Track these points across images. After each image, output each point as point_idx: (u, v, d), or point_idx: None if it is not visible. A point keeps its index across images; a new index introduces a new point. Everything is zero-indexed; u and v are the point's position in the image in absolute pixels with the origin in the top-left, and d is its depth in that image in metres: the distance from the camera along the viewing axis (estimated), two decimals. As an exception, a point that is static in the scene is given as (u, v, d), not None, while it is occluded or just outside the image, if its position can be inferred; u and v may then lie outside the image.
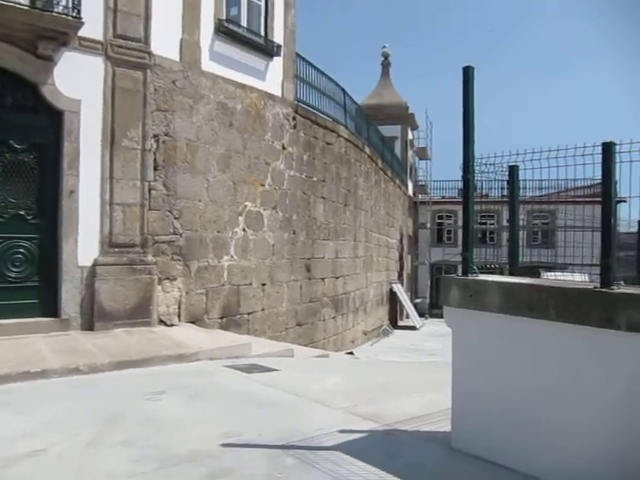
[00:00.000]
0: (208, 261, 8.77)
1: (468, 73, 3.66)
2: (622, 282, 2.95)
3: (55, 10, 6.88)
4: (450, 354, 3.51)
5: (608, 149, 3.04)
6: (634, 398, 2.68)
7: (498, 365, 3.22)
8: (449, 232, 33.23)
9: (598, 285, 2.95)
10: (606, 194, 2.99)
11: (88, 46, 7.39)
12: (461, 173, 3.72)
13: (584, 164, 3.07)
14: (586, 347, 2.87)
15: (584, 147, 3.09)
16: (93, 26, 7.34)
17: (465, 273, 3.50)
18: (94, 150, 7.49)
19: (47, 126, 7.32)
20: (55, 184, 7.35)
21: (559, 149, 3.23)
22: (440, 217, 33.21)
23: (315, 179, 11.80)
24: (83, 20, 7.01)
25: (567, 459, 2.89)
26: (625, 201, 3.45)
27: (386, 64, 31.98)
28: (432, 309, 27.14)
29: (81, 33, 7.21)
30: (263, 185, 9.88)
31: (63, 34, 7.04)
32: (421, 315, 25.63)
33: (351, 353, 12.00)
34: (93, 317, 7.35)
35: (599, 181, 3.09)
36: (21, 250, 7.22)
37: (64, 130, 7.29)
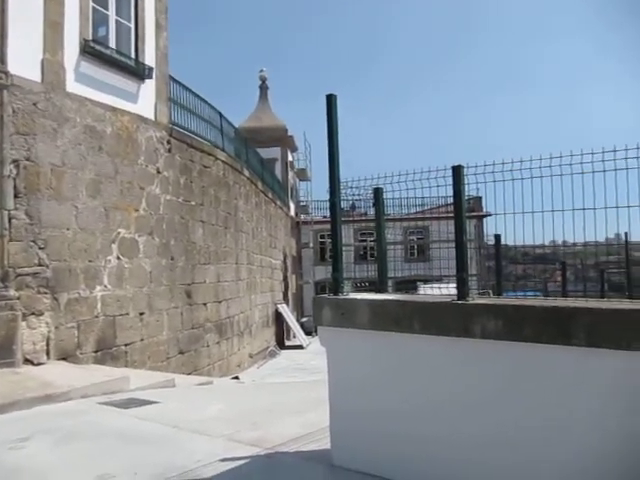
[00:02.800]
0: (79, 292, 8.26)
1: (331, 101, 3.82)
2: (476, 293, 3.21)
3: None
4: (331, 372, 3.59)
5: (458, 172, 3.31)
6: (498, 401, 2.89)
7: (370, 380, 3.35)
8: (331, 250, 34.01)
9: (455, 298, 3.18)
10: (457, 214, 3.25)
11: None
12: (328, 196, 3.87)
13: (437, 186, 3.32)
14: (447, 356, 3.07)
15: (437, 170, 3.34)
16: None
17: (336, 292, 3.61)
18: (-58, 177, 6.82)
19: None
20: None
21: (422, 171, 3.47)
22: (322, 236, 33.93)
23: (193, 203, 11.60)
24: None
25: (435, 464, 3.06)
26: (490, 215, 3.76)
27: (264, 87, 32.41)
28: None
29: None
30: (137, 210, 9.54)
31: None
32: (308, 333, 25.89)
33: (237, 378, 11.82)
34: (-55, 361, 6.63)
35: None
36: None
37: None
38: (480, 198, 21.44)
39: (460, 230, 3.18)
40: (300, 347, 22.99)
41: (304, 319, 29.35)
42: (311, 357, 19.66)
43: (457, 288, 3.21)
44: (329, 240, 34.05)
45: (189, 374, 10.57)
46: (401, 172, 3.55)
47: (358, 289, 4.53)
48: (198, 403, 6.11)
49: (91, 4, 8.99)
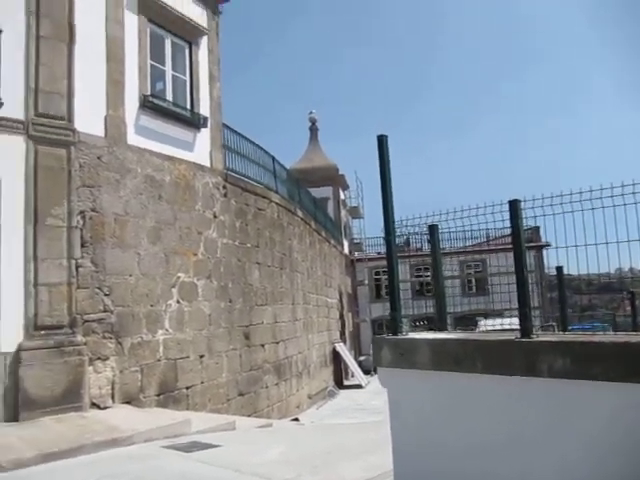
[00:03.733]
0: (142, 337, 8.49)
1: (382, 142, 3.86)
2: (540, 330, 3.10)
3: (-28, 92, 6.79)
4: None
5: (515, 206, 3.25)
6: (567, 440, 2.75)
7: (432, 421, 3.26)
8: (387, 287, 33.70)
9: (519, 335, 3.09)
10: (517, 249, 3.17)
11: (8, 126, 7.27)
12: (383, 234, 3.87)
13: (494, 221, 3.27)
14: (512, 395, 2.96)
15: (493, 205, 3.30)
16: (14, 106, 7.26)
17: (395, 332, 3.57)
18: (16, 230, 7.24)
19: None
20: (-26, 268, 7.02)
21: (477, 207, 3.43)
22: (377, 273, 33.72)
23: (249, 245, 11.82)
24: (2, 101, 6.93)
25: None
26: (549, 245, 3.67)
27: (314, 129, 33.02)
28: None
29: (1, 113, 7.10)
30: (196, 255, 9.80)
31: (-18, 115, 6.92)
32: (366, 373, 25.49)
33: (296, 419, 11.73)
34: (17, 407, 6.89)
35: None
36: None
37: (-16, 210, 7.04)
38: (538, 228, 20.93)
39: (520, 266, 3.11)
40: (359, 386, 22.63)
41: (362, 358, 28.98)
42: (371, 397, 19.32)
43: (520, 325, 3.11)
44: (384, 276, 33.85)
45: (249, 416, 10.57)
46: (456, 209, 3.53)
47: (416, 327, 4.47)
48: (259, 446, 6.09)
49: (149, 62, 9.52)
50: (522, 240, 3.19)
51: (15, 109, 7.33)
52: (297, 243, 15.95)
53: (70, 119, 7.87)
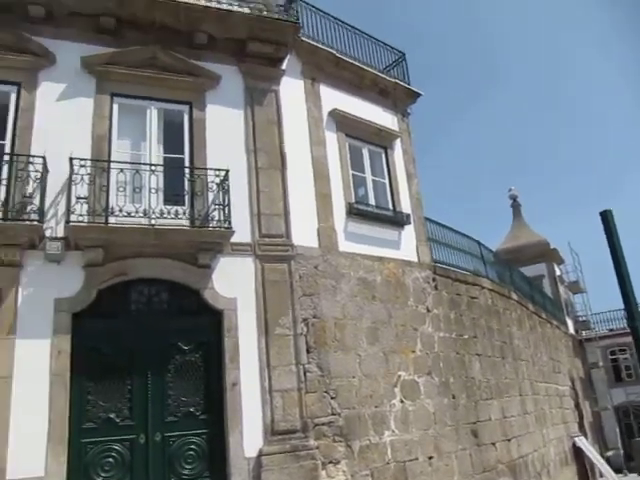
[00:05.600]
0: (369, 439, 8.49)
1: (607, 217, 3.54)
2: None
3: (210, 225, 7.95)
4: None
5: None
6: None
7: None
8: (628, 368, 29.58)
9: None
10: None
11: (239, 249, 8.29)
12: (625, 320, 3.44)
13: None
14: None
15: None
16: (242, 232, 8.27)
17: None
18: (251, 342, 8.00)
19: (209, 325, 8.04)
20: (219, 379, 7.84)
21: None
22: (613, 352, 29.94)
23: (466, 336, 11.41)
24: (233, 229, 7.95)
25: None
26: None
27: (516, 205, 31.79)
28: (629, 462, 23.26)
29: (232, 239, 8.12)
30: (414, 352, 9.74)
31: (218, 244, 8.01)
32: (617, 471, 22.05)
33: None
34: (262, 512, 7.25)
35: None
36: (192, 446, 7.57)
37: (224, 327, 7.94)
38: None
39: None
40: (612, 489, 19.59)
41: (609, 453, 25.25)
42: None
43: None
44: (622, 356, 29.85)
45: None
46: None
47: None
48: None
49: (350, 172, 10.24)
50: None
51: (244, 234, 8.35)
52: (516, 329, 14.97)
53: (288, 235, 8.70)
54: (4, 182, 7.33)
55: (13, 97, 7.92)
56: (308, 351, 8.33)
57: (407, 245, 10.65)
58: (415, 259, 10.65)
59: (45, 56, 8.15)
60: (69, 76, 8.24)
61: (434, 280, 10.88)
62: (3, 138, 7.72)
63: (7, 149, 7.64)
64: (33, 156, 7.40)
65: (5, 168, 7.40)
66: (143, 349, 7.60)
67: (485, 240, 15.16)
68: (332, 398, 8.30)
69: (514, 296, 15.81)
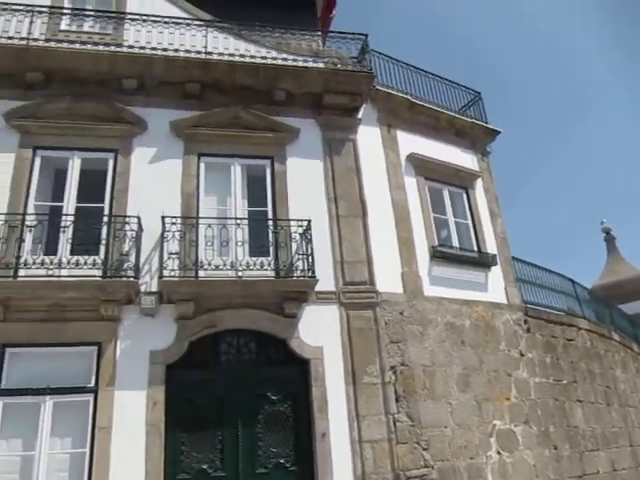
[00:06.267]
0: (466, 493, 8.06)
1: None
2: None
3: (295, 275, 8.07)
4: None
5: None
6: None
7: None
8: None
9: None
10: None
11: (324, 298, 8.34)
12: None
13: None
14: None
15: None
16: (326, 280, 8.34)
17: None
18: (339, 391, 7.92)
19: (296, 375, 8.06)
20: (308, 429, 7.78)
21: None
22: None
23: (565, 382, 10.71)
24: (318, 278, 8.03)
25: None
26: None
27: (610, 239, 30.04)
28: None
29: (317, 288, 8.19)
30: (508, 399, 9.24)
31: (303, 293, 8.11)
32: None
33: None
34: None
35: None
36: (284, 499, 7.49)
37: (311, 377, 7.92)
38: None
39: None
40: None
41: None
42: None
43: None
44: None
45: None
46: None
47: None
48: None
49: (431, 215, 10.12)
50: None
51: (328, 282, 8.42)
52: (621, 372, 13.90)
53: (372, 282, 8.67)
54: (103, 242, 7.84)
55: (111, 163, 8.57)
56: (397, 400, 8.12)
57: (495, 287, 10.28)
58: (504, 301, 10.24)
59: (138, 123, 8.81)
60: (160, 140, 8.84)
61: (526, 322, 10.38)
62: (102, 201, 8.31)
63: (106, 211, 8.20)
64: (129, 216, 7.90)
65: (104, 229, 7.91)
66: (233, 400, 7.71)
67: (578, 277, 14.40)
68: (424, 449, 7.99)
69: (615, 336, 14.76)
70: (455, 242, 10.29)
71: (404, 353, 8.41)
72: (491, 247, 10.62)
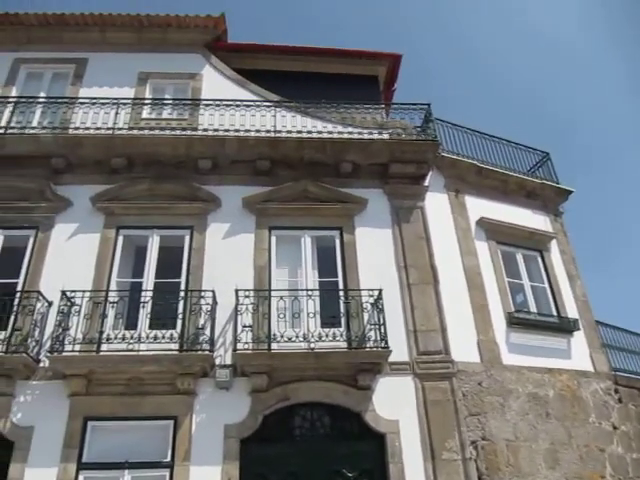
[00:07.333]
0: None
1: None
2: None
3: (367, 346, 7.97)
4: None
5: None
6: None
7: None
8: None
9: None
10: None
11: (397, 369, 8.14)
12: None
13: None
14: None
15: None
16: (399, 350, 8.16)
17: None
18: (417, 468, 7.56)
19: (372, 450, 7.78)
20: (389, 507, 7.41)
21: None
22: None
23: (666, 458, 9.78)
24: (391, 348, 7.87)
25: None
26: None
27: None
28: None
29: (390, 359, 8.01)
30: (604, 477, 8.49)
31: (376, 364, 7.95)
32: None
33: None
34: None
35: None
36: None
37: (388, 452, 7.62)
38: None
39: None
40: None
41: None
42: None
43: None
44: None
45: None
46: None
47: None
48: None
49: (506, 279, 9.82)
50: None
51: (401, 352, 8.23)
52: None
53: (447, 352, 8.40)
54: (180, 316, 8.09)
55: (187, 239, 8.96)
56: (480, 478, 7.64)
57: (579, 353, 9.69)
58: (591, 369, 9.60)
59: (212, 201, 9.24)
60: (233, 216, 9.21)
61: (617, 392, 9.65)
62: (179, 276, 8.64)
63: (182, 286, 8.51)
64: (204, 290, 8.14)
65: (181, 303, 8.18)
66: (308, 476, 7.50)
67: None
68: (513, 534, 7.42)
69: None
70: (532, 307, 9.89)
71: (485, 426, 7.98)
72: (572, 311, 10.11)
